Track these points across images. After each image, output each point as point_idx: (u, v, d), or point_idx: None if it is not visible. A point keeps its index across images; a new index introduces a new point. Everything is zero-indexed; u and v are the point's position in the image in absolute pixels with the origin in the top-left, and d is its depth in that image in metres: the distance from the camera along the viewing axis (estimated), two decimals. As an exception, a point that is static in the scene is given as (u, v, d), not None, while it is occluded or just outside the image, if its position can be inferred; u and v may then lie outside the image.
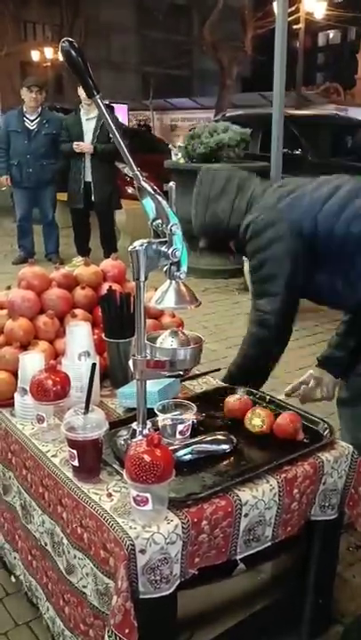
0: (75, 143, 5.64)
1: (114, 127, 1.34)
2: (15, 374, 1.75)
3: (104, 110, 1.33)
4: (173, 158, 6.24)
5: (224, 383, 1.96)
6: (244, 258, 4.88)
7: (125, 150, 1.34)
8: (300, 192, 1.91)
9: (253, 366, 2.02)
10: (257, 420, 1.59)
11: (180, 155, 6.00)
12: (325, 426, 1.63)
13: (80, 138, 5.70)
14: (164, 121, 22.89)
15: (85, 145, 5.63)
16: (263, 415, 1.59)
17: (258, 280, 1.95)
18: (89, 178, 5.76)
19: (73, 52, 1.24)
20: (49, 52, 24.67)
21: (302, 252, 1.86)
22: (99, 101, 1.31)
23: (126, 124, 18.39)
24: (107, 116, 1.33)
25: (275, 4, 5.94)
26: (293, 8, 16.56)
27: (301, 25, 18.94)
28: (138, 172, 1.35)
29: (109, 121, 1.33)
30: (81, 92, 5.45)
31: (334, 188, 1.89)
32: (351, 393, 2.19)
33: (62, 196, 6.56)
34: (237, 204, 1.97)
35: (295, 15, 17.80)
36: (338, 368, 2.12)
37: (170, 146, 8.96)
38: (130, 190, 7.13)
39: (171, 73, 31.57)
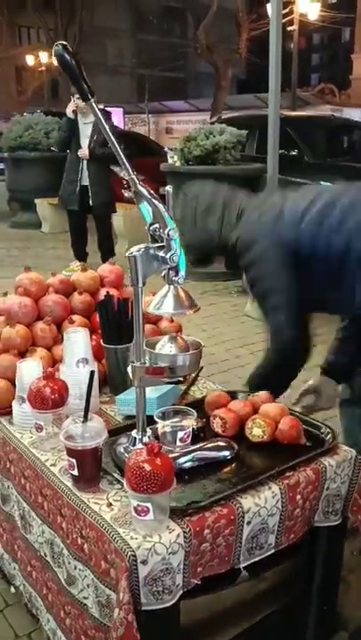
0: (79, 152, 5.63)
1: (110, 131, 1.32)
2: (13, 382, 1.73)
3: (99, 114, 1.31)
4: (169, 161, 6.22)
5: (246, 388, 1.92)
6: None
7: (122, 154, 1.33)
8: (280, 206, 1.90)
9: (277, 379, 1.98)
10: (257, 431, 1.56)
11: (175, 157, 5.99)
12: (328, 430, 1.61)
13: (77, 141, 5.68)
14: (160, 124, 22.89)
15: (83, 151, 5.62)
16: (264, 425, 1.56)
17: (257, 297, 1.95)
18: (86, 182, 5.75)
19: (66, 56, 1.22)
20: (44, 57, 24.68)
21: (290, 264, 1.84)
22: (94, 105, 1.29)
23: (122, 127, 18.41)
24: (102, 119, 1.32)
25: (269, 6, 5.94)
26: (287, 10, 16.58)
27: (295, 26, 18.96)
28: (134, 177, 1.34)
29: (105, 125, 1.31)
30: (71, 104, 5.47)
31: (311, 201, 1.86)
32: (353, 393, 2.18)
33: (54, 201, 6.53)
34: (226, 219, 1.95)
35: (289, 17, 17.82)
36: (340, 374, 2.10)
37: (165, 149, 8.94)
38: (127, 194, 7.13)
39: (166, 76, 31.61)
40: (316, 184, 1.97)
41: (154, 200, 1.35)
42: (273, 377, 1.97)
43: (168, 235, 1.35)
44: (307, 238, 1.81)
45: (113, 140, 1.33)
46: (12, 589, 1.88)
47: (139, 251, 1.34)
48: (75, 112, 5.57)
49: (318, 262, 1.82)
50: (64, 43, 1.22)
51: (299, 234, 1.82)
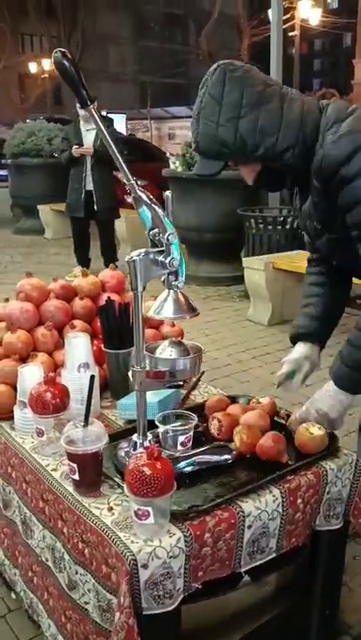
0: (73, 148, 5.67)
1: (108, 136, 1.33)
2: (14, 387, 1.74)
3: (98, 120, 1.32)
4: (171, 166, 6.23)
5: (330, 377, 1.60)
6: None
7: (121, 160, 1.33)
8: None
9: None
10: (235, 440, 1.54)
11: (177, 163, 6.01)
12: (329, 434, 1.61)
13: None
14: (162, 130, 22.98)
15: (85, 148, 5.66)
16: (243, 435, 1.52)
17: None
18: (90, 187, 5.78)
19: (66, 63, 1.23)
20: (47, 64, 24.83)
21: None
22: (93, 111, 1.30)
23: (125, 133, 18.48)
24: (101, 125, 1.32)
25: (270, 12, 5.97)
26: (289, 15, 16.66)
27: (297, 32, 19.05)
28: (134, 182, 1.34)
29: (103, 130, 1.32)
30: (80, 110, 5.50)
31: None
32: None
33: (60, 207, 6.58)
34: (287, 114, 1.45)
35: (291, 22, 17.90)
36: (311, 337, 1.81)
37: (167, 154, 8.97)
38: (130, 199, 7.16)
39: (168, 82, 31.74)
40: None
41: (153, 205, 1.35)
42: None
43: (167, 239, 1.35)
44: None
45: (112, 145, 1.34)
46: (13, 595, 1.88)
47: (138, 255, 1.35)
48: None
49: None
50: (63, 50, 1.23)
51: None
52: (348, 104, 1.54)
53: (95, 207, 5.80)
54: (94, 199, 5.78)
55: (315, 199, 1.56)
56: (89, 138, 5.70)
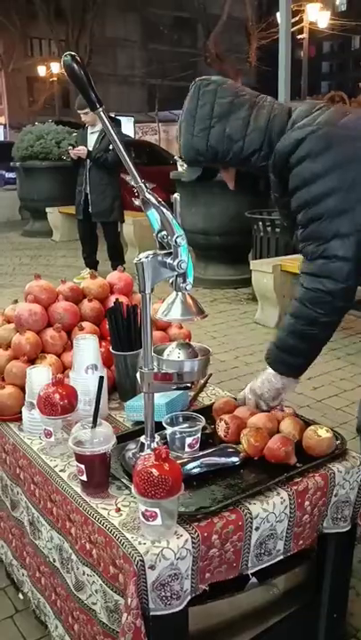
0: (70, 150, 5.72)
1: (117, 139, 1.34)
2: (23, 388, 1.75)
3: (107, 123, 1.33)
4: (179, 169, 6.24)
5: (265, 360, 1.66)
6: (259, 229, 4.80)
7: (129, 162, 1.34)
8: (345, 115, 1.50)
9: (306, 333, 1.55)
10: (243, 443, 1.54)
11: (185, 166, 6.01)
12: (336, 436, 1.60)
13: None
14: (170, 132, 23.01)
15: (78, 149, 5.69)
16: (250, 437, 1.52)
17: (322, 216, 1.47)
18: (88, 189, 5.80)
19: (75, 66, 1.24)
20: (55, 68, 24.96)
21: None
22: (102, 114, 1.31)
23: (133, 136, 18.53)
24: (110, 129, 1.33)
25: (278, 15, 5.97)
26: (297, 18, 16.66)
27: (305, 35, 19.03)
28: (142, 184, 1.35)
29: (112, 133, 1.33)
30: (83, 116, 5.54)
31: None
32: None
33: (68, 209, 6.59)
34: (253, 122, 1.54)
35: (299, 25, 17.89)
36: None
37: (175, 157, 8.95)
38: (136, 202, 7.16)
39: (176, 85, 31.77)
40: None
41: (162, 207, 1.36)
42: (303, 334, 1.55)
43: (176, 242, 1.36)
44: None
45: (121, 148, 1.35)
46: (20, 596, 1.89)
47: (147, 257, 1.36)
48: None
49: None
50: (72, 53, 1.24)
51: None
52: (317, 103, 1.60)
53: (90, 209, 5.82)
54: (89, 201, 5.81)
55: (275, 194, 1.65)
56: (92, 140, 5.73)
